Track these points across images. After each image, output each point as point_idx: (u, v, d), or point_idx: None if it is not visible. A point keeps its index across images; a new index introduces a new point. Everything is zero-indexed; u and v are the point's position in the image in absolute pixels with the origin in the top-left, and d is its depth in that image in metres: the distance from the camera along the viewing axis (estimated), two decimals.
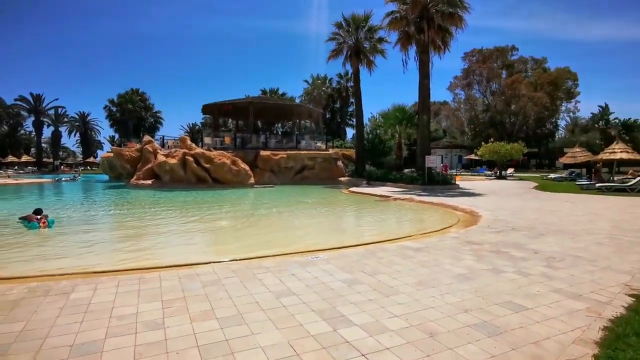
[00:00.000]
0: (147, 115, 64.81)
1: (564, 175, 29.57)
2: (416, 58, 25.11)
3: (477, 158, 46.83)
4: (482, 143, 35.77)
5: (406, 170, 27.72)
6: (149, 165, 23.63)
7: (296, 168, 27.57)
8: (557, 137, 57.71)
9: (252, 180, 23.79)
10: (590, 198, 15.54)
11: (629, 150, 19.85)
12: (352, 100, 50.79)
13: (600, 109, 44.27)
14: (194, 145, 25.22)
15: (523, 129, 55.92)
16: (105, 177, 35.00)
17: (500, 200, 14.43)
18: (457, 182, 22.21)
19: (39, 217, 9.13)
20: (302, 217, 11.53)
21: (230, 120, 52.15)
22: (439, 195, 16.52)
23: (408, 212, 12.55)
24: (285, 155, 26.85)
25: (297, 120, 34.95)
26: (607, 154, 20.00)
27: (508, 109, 56.95)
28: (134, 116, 61.39)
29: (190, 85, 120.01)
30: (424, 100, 21.75)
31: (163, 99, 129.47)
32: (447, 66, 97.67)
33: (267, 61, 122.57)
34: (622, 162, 23.81)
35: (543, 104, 48.94)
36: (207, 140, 27.43)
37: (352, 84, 49.60)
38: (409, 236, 7.69)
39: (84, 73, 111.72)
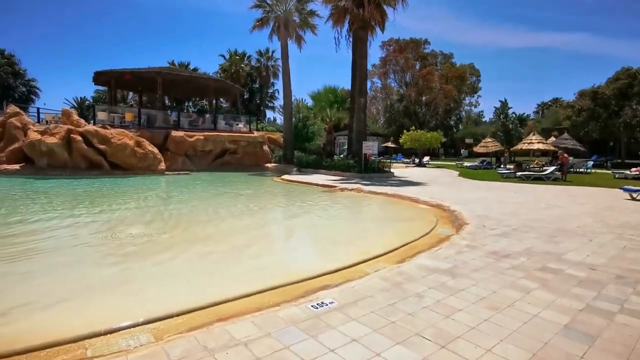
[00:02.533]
0: (16, 83, 52.13)
1: (476, 163, 31.29)
2: (348, 37, 23.58)
3: (393, 146, 48.21)
4: (405, 131, 36.32)
5: (336, 157, 26.34)
6: (17, 145, 17.95)
7: (215, 152, 24.03)
8: (460, 128, 62.65)
9: (162, 165, 19.78)
10: (523, 187, 15.76)
11: (544, 142, 21.20)
12: (272, 80, 47.83)
13: (501, 103, 49.17)
14: (82, 121, 20.01)
15: (433, 119, 59.35)
16: None
17: (450, 191, 13.62)
18: (391, 170, 21.41)
19: None
20: (245, 218, 8.86)
21: (130, 95, 44.93)
22: (383, 185, 15.23)
23: (368, 206, 10.79)
24: (202, 137, 23.10)
25: (214, 99, 30.84)
26: (526, 145, 21.07)
27: (420, 99, 59.85)
28: None
29: (79, 54, 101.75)
30: (361, 81, 20.23)
31: (41, 67, 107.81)
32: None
33: (176, 33, 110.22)
34: (519, 153, 25.80)
35: (452, 96, 52.26)
36: (101, 115, 22.11)
37: (272, 62, 46.66)
38: (407, 244, 5.80)
39: None
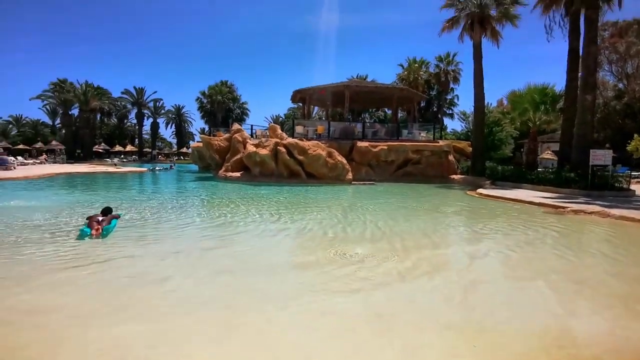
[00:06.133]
0: (234, 107, 65.62)
1: None
2: (564, 23, 19.47)
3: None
4: (636, 135, 27.81)
5: (540, 170, 21.95)
6: (238, 156, 21.61)
7: (398, 162, 23.53)
8: None
9: (350, 175, 20.38)
10: None
11: None
12: (452, 85, 44.79)
13: None
14: (284, 134, 22.70)
15: None
16: (195, 167, 34.90)
17: None
18: (631, 188, 16.15)
19: (100, 219, 6.69)
20: (473, 245, 7.18)
21: (315, 110, 49.78)
22: (634, 208, 11.26)
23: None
24: (385, 147, 22.96)
25: (396, 108, 30.65)
26: None
27: None
28: (222, 107, 62.42)
29: (271, 77, 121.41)
30: (589, 73, 15.98)
31: (248, 90, 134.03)
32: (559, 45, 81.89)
33: (354, 49, 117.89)
34: None
35: None
36: (298, 129, 24.69)
37: (453, 67, 43.72)
38: None
39: (180, 67, 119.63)
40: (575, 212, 10.60)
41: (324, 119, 36.36)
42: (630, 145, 28.24)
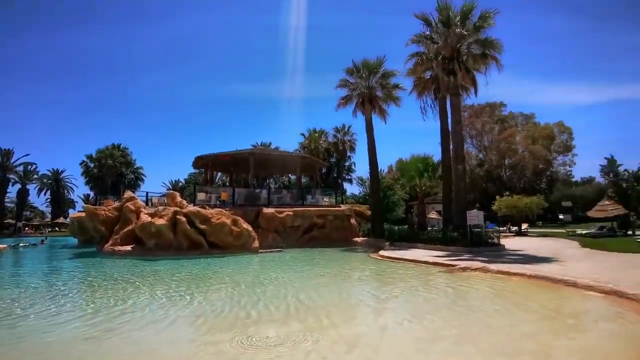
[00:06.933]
0: (127, 172, 60.38)
1: (594, 230, 26.81)
2: (434, 106, 23.28)
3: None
4: (498, 197, 33.42)
5: (430, 229, 24.43)
6: (130, 227, 19.40)
7: (303, 227, 23.84)
8: (554, 191, 56.65)
9: (256, 243, 19.74)
10: None
11: None
12: (349, 154, 48.89)
13: (607, 161, 43.61)
14: (184, 202, 21.31)
15: (520, 182, 54.83)
16: (75, 240, 29.89)
17: (601, 269, 10.99)
18: (501, 242, 18.88)
19: None
20: (391, 318, 6.98)
21: (218, 175, 48.70)
22: (505, 262, 13.07)
23: (520, 297, 8.46)
24: (291, 213, 23.20)
25: (300, 175, 31.78)
26: None
27: (503, 162, 56.50)
28: (112, 172, 56.88)
29: (172, 142, 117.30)
30: (458, 147, 19.11)
31: (145, 154, 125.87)
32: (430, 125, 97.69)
33: (257, 117, 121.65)
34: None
35: (544, 156, 48.17)
36: (200, 196, 23.57)
37: (349, 137, 48.16)
38: None
39: (61, 130, 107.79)
40: (463, 269, 11.80)
41: (227, 184, 35.65)
42: (495, 205, 33.56)
